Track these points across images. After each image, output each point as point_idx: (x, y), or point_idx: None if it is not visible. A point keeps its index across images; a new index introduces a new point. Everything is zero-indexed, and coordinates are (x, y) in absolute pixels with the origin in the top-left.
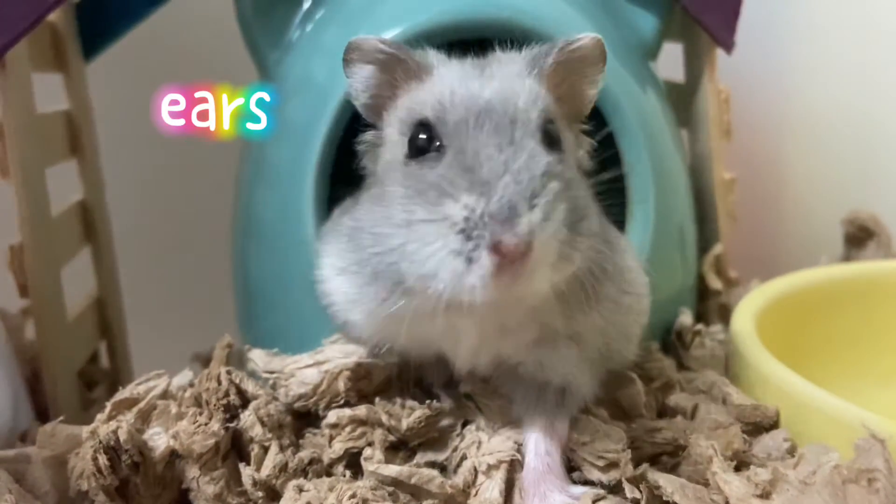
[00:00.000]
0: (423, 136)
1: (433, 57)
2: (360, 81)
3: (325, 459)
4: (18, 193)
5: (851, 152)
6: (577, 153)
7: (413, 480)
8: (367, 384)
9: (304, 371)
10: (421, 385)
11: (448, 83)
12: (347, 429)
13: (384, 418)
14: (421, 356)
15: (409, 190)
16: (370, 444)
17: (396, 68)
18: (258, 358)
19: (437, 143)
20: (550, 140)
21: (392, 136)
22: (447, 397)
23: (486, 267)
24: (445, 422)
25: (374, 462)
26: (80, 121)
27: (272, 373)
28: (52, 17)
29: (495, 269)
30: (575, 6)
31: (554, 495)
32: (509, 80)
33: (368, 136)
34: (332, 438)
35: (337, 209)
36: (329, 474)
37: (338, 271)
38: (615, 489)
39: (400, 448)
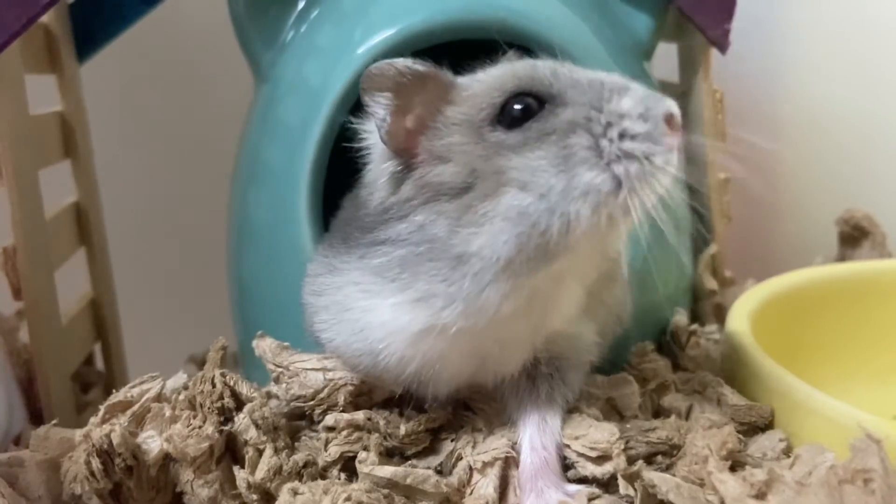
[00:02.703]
0: (519, 105)
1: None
2: (380, 110)
3: (321, 462)
4: (12, 195)
5: (846, 152)
6: None
7: (408, 481)
8: (366, 400)
9: (309, 374)
10: (419, 407)
11: (499, 69)
12: (344, 433)
13: (382, 424)
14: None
15: (543, 142)
16: (365, 448)
17: (423, 89)
18: (268, 348)
19: (540, 107)
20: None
21: (454, 145)
22: (443, 410)
23: (670, 140)
24: (443, 432)
25: (369, 464)
26: (74, 122)
27: (278, 366)
28: (46, 18)
29: (673, 142)
30: (570, 7)
31: (550, 492)
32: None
33: (389, 166)
34: (328, 442)
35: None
36: (324, 477)
37: (409, 306)
38: (610, 488)
39: (394, 455)
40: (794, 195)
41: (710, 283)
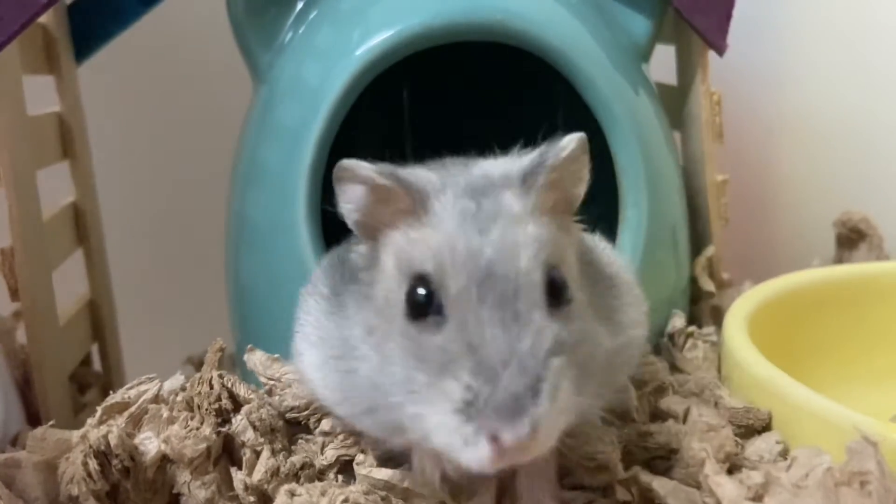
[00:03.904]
0: (421, 291)
1: (428, 183)
2: (351, 202)
3: (318, 465)
4: (9, 196)
5: (843, 154)
6: (577, 249)
7: (406, 484)
8: None
9: (301, 385)
10: None
11: (448, 232)
12: (340, 437)
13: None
14: None
15: (410, 352)
16: (363, 451)
17: (391, 198)
18: (259, 361)
19: (438, 305)
20: (555, 289)
21: (389, 270)
22: None
23: (485, 452)
24: None
25: (367, 466)
26: (72, 123)
27: (270, 379)
28: (44, 18)
29: (495, 456)
30: (567, 8)
31: (546, 501)
32: (510, 229)
33: (362, 249)
34: (324, 445)
35: (318, 270)
36: (321, 479)
37: (324, 384)
38: (607, 492)
39: (389, 462)
40: (792, 197)
41: (708, 285)
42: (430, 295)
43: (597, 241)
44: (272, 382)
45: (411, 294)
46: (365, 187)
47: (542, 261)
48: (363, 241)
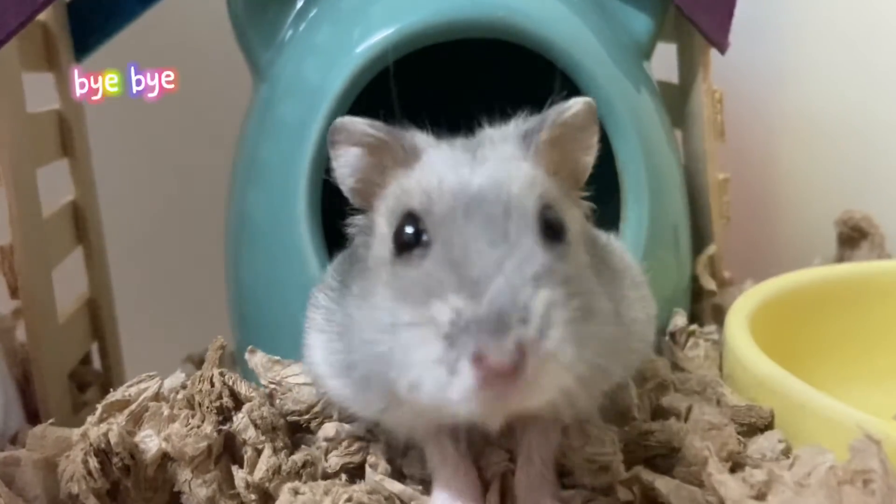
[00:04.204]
0: (409, 229)
1: (422, 139)
2: (346, 165)
3: (321, 470)
4: (9, 194)
5: (845, 153)
6: (582, 226)
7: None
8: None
9: (303, 388)
10: None
11: (436, 170)
12: (345, 443)
13: (382, 436)
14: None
15: (395, 290)
16: (373, 454)
17: (385, 152)
18: (260, 363)
19: (425, 238)
20: (551, 229)
21: (381, 227)
22: None
23: (469, 380)
24: None
25: (379, 472)
26: (72, 121)
27: (271, 382)
28: (43, 15)
29: (480, 383)
30: (569, 6)
31: (546, 501)
32: (502, 163)
33: (359, 220)
34: (328, 451)
35: (330, 267)
36: (325, 478)
37: (331, 373)
38: (608, 492)
39: (392, 464)
40: (793, 196)
41: (709, 284)
42: (418, 231)
43: (611, 239)
44: (273, 386)
45: (398, 233)
46: (360, 148)
47: (537, 194)
48: (360, 212)
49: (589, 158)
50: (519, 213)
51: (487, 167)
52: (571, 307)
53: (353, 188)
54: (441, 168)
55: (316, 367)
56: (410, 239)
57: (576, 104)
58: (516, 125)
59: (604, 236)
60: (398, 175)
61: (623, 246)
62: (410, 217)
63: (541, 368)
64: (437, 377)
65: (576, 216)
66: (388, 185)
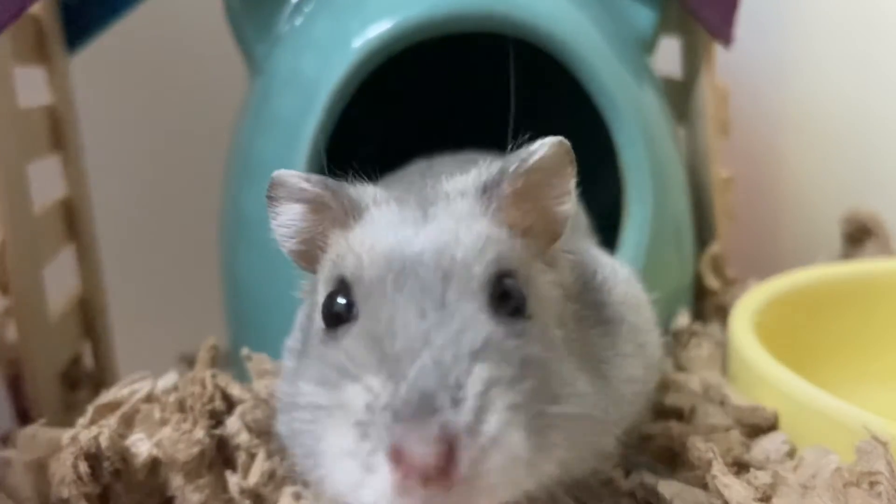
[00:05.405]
0: (340, 300)
1: (368, 195)
2: (285, 224)
3: None
4: None
5: (850, 150)
6: (561, 290)
7: None
8: None
9: None
10: None
11: (375, 231)
12: None
13: None
14: None
15: (319, 369)
16: None
17: (325, 210)
18: (253, 370)
19: (354, 310)
20: (506, 299)
21: (320, 296)
22: None
23: (386, 480)
24: None
25: None
26: (64, 115)
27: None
28: (35, 9)
29: (400, 483)
30: (571, 0)
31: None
32: (452, 222)
33: (305, 284)
34: None
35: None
36: None
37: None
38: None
39: None
40: (798, 194)
41: (713, 283)
42: (350, 304)
43: (615, 270)
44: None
45: (327, 304)
46: (300, 205)
47: (490, 259)
48: (307, 275)
49: (565, 208)
50: (461, 279)
51: (433, 227)
52: (524, 388)
53: (294, 250)
54: (380, 229)
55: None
56: (341, 310)
57: (542, 146)
58: (476, 175)
59: (604, 270)
60: (337, 236)
61: (627, 273)
62: (342, 285)
63: (480, 462)
64: (349, 473)
65: (548, 281)
66: (328, 247)
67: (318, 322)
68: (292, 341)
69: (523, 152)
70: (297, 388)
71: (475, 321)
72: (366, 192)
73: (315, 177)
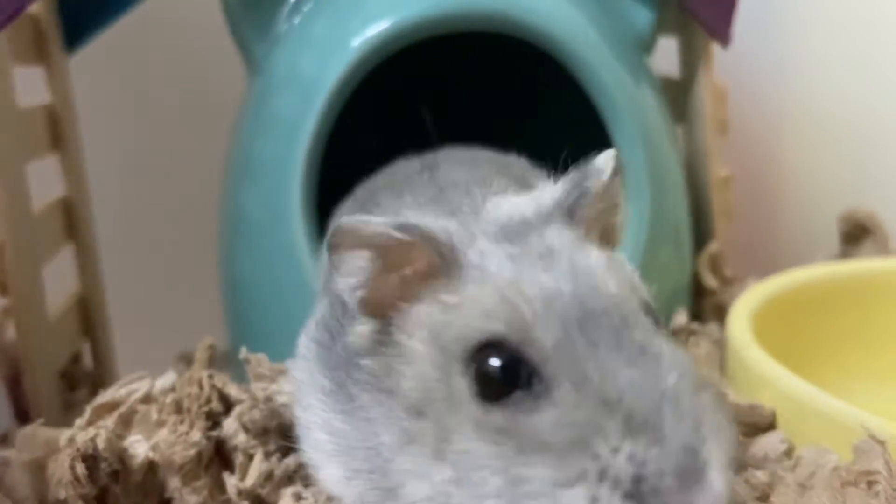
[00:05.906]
0: (494, 362)
1: (460, 237)
2: (354, 274)
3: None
4: None
5: (849, 149)
6: None
7: None
8: None
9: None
10: None
11: (504, 280)
12: None
13: None
14: None
15: (503, 449)
16: None
17: (405, 257)
18: (251, 373)
19: (528, 373)
20: (655, 319)
21: (420, 354)
22: None
23: None
24: None
25: None
26: (62, 115)
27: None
28: (34, 8)
29: None
30: None
31: None
32: (574, 257)
33: (366, 330)
34: None
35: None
36: None
37: (361, 501)
38: None
39: None
40: (797, 193)
41: (711, 282)
42: (511, 365)
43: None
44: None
45: (481, 371)
46: (371, 252)
47: (626, 283)
48: (363, 319)
49: (619, 218)
50: (634, 316)
51: (564, 265)
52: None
53: (365, 299)
54: (509, 277)
55: (334, 491)
56: (500, 375)
57: (608, 162)
58: (547, 198)
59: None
60: (432, 287)
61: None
62: (493, 348)
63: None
64: None
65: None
66: (415, 297)
67: (437, 386)
68: (311, 373)
69: (593, 171)
70: (442, 464)
71: (676, 354)
72: (449, 230)
73: (396, 220)
